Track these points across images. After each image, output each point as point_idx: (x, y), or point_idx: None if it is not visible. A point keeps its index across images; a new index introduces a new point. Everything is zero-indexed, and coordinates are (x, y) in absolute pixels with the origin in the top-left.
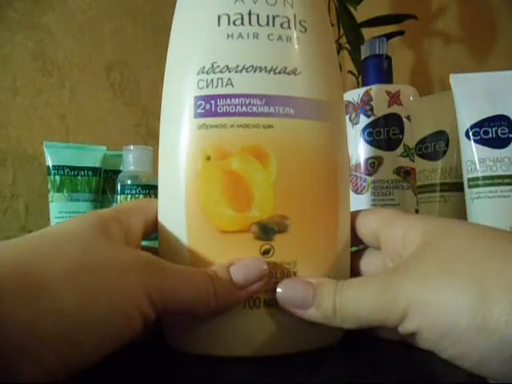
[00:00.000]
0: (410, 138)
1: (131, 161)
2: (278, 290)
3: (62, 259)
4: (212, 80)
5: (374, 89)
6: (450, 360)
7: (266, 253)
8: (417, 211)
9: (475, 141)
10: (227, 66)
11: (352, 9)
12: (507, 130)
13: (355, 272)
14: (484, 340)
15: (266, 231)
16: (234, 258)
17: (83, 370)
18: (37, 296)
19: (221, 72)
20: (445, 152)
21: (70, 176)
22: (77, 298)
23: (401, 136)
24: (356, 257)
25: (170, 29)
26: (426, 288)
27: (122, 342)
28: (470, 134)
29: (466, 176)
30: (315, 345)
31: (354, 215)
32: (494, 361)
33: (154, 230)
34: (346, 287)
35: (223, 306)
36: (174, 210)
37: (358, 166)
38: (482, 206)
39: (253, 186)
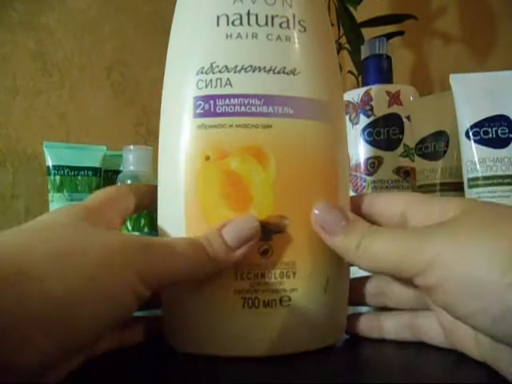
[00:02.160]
0: (410, 137)
1: (131, 161)
2: (315, 211)
3: (46, 246)
4: (211, 80)
5: (374, 89)
6: (465, 318)
7: (264, 253)
8: None
9: (475, 141)
10: (226, 66)
11: (352, 9)
12: (507, 130)
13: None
14: (510, 296)
15: (265, 231)
16: (226, 220)
17: (83, 370)
18: (21, 281)
19: (220, 72)
20: (445, 152)
21: (69, 176)
22: (63, 281)
23: (401, 136)
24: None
25: (169, 29)
26: (457, 242)
27: (117, 321)
28: (470, 134)
29: (466, 176)
30: (315, 345)
31: (368, 199)
32: (510, 319)
33: (130, 214)
34: (376, 230)
35: (219, 268)
36: (174, 210)
37: (357, 166)
38: None
39: (252, 186)
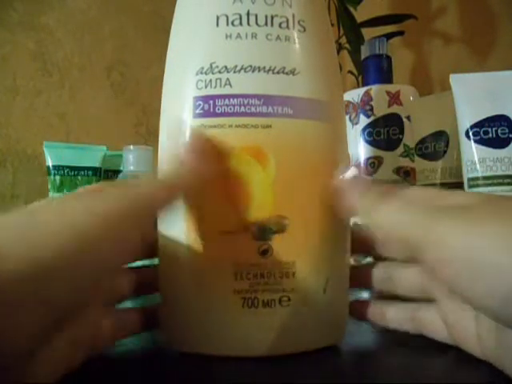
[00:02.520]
0: (410, 137)
1: (131, 161)
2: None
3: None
4: (211, 80)
5: (374, 89)
6: (471, 300)
7: (264, 253)
8: None
9: (475, 141)
10: (226, 67)
11: (352, 9)
12: (507, 130)
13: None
14: None
15: (265, 231)
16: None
17: (83, 370)
18: None
19: (219, 72)
20: (445, 152)
21: (69, 176)
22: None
23: (401, 136)
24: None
25: (169, 29)
26: (465, 225)
27: (99, 278)
28: (470, 134)
29: (466, 176)
30: (315, 345)
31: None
32: None
33: None
34: (389, 196)
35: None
36: (173, 210)
37: (358, 166)
38: None
39: (251, 186)
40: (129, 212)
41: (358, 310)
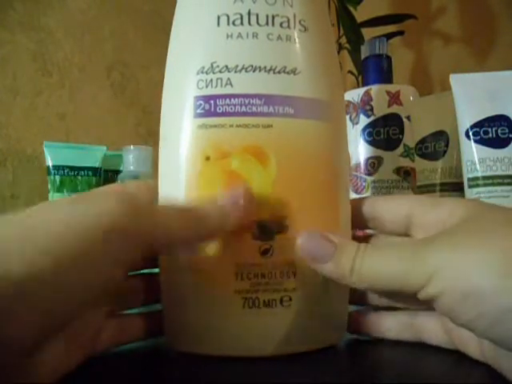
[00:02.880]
0: (410, 137)
1: (131, 161)
2: (298, 241)
3: (26, 223)
4: (211, 80)
5: (374, 89)
6: (465, 324)
7: (265, 253)
8: None
9: (475, 141)
10: (227, 66)
11: (352, 9)
12: (507, 130)
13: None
14: (506, 299)
15: (266, 231)
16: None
17: (83, 370)
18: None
19: (220, 72)
20: (445, 152)
21: (69, 176)
22: (44, 252)
23: (401, 136)
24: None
25: (170, 29)
26: (454, 253)
27: (100, 288)
28: (470, 134)
29: (465, 176)
30: (316, 345)
31: (370, 202)
32: (508, 321)
33: None
34: (369, 250)
35: (212, 230)
36: None
37: (357, 166)
38: None
39: (252, 185)
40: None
41: (352, 323)
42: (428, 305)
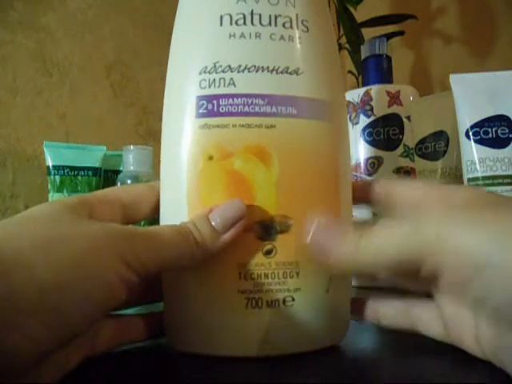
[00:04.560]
0: (410, 137)
1: (131, 161)
2: (306, 240)
3: (30, 235)
4: (214, 80)
5: (374, 89)
6: (471, 306)
7: (268, 253)
8: None
9: (475, 141)
10: (229, 66)
11: (352, 9)
12: (507, 130)
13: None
14: (507, 272)
15: (269, 231)
16: (213, 206)
17: (83, 370)
18: (8, 271)
19: (223, 72)
20: (445, 152)
21: (69, 176)
22: (51, 268)
23: (401, 136)
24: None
25: (169, 29)
26: (456, 228)
27: (108, 307)
28: (470, 134)
29: (466, 176)
30: (318, 345)
31: (382, 186)
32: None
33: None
34: (370, 231)
35: (208, 254)
36: (176, 210)
37: (358, 166)
38: None
39: (255, 185)
40: None
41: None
42: (430, 286)
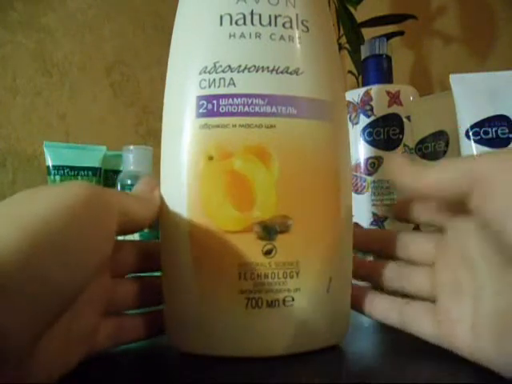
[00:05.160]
0: (410, 137)
1: (131, 161)
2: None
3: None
4: (214, 80)
5: (374, 89)
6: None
7: (268, 253)
8: None
9: (475, 141)
10: (229, 66)
11: (352, 9)
12: (507, 130)
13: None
14: None
15: (269, 231)
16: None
17: (83, 370)
18: None
19: (223, 72)
20: (445, 152)
21: (69, 176)
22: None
23: (401, 136)
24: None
25: (169, 29)
26: (500, 162)
27: (94, 263)
28: (470, 134)
29: None
30: (318, 345)
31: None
32: None
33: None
34: (429, 165)
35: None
36: (176, 210)
37: (358, 166)
38: None
39: (255, 185)
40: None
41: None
42: (475, 217)
